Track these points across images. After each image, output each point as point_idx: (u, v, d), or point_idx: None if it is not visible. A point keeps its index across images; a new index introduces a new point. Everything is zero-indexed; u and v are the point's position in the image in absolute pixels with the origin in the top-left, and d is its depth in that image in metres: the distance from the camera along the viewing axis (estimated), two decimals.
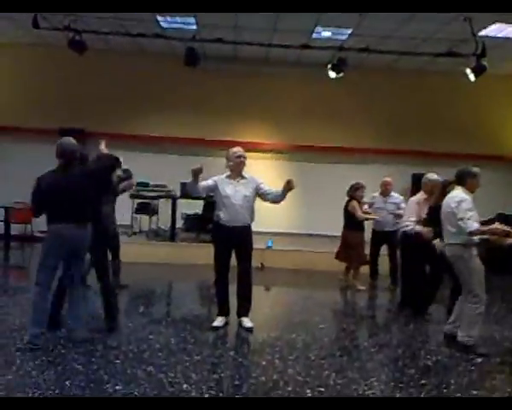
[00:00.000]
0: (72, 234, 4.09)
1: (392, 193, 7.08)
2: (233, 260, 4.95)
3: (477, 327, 4.47)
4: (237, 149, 4.83)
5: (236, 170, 4.80)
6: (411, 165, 9.96)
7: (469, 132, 9.86)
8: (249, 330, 4.78)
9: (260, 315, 5.36)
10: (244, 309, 4.90)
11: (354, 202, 6.69)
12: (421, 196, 5.67)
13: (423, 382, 3.86)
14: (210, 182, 4.80)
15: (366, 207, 6.90)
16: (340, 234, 8.17)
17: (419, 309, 5.56)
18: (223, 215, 4.75)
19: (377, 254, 7.15)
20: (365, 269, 7.05)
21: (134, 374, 3.69)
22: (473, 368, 4.21)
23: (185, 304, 5.80)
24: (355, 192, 6.74)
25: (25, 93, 9.72)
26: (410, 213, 5.70)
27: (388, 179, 7.15)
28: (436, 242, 4.99)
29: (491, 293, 4.80)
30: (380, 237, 7.04)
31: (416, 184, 8.91)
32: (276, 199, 4.83)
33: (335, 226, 9.54)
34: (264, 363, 4.07)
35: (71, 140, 4.22)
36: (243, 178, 4.83)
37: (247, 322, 4.86)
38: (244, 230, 4.79)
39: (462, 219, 4.30)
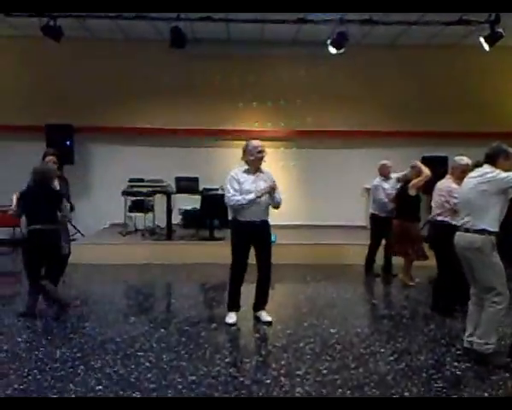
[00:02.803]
0: None
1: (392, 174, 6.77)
2: None
3: (496, 332, 3.85)
4: (258, 143, 4.65)
5: (256, 165, 4.63)
6: (421, 146, 9.35)
7: (482, 109, 9.20)
8: (268, 323, 4.70)
9: None
10: (263, 302, 4.83)
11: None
12: (450, 182, 5.01)
13: (454, 397, 3.33)
14: (236, 185, 4.58)
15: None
16: (349, 223, 7.69)
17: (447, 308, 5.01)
18: (244, 211, 4.58)
19: (380, 242, 6.71)
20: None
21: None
22: (508, 375, 3.68)
23: (182, 311, 5.28)
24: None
25: (5, 89, 9.15)
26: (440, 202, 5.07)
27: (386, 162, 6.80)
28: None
29: None
30: (381, 222, 6.57)
31: (428, 167, 8.34)
32: (277, 205, 4.75)
33: (343, 215, 9.13)
34: (268, 381, 3.55)
35: None
36: (261, 172, 4.67)
37: (265, 316, 4.79)
38: (264, 225, 4.69)
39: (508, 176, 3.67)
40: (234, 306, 4.80)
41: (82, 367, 3.71)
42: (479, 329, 3.88)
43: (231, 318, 4.75)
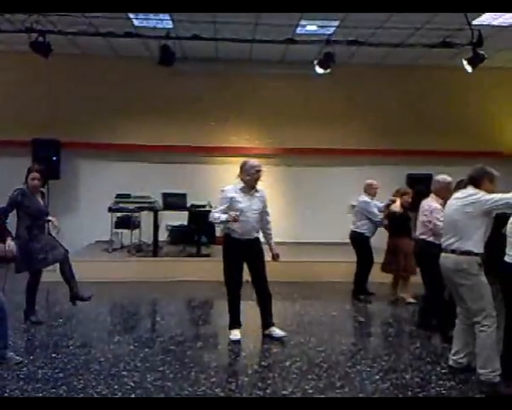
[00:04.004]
0: None
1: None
2: None
3: (497, 355, 3.74)
4: (255, 163, 4.70)
5: (252, 184, 4.69)
6: (406, 165, 9.51)
7: (465, 129, 9.41)
8: (282, 338, 4.74)
9: (251, 338, 4.81)
10: (271, 319, 4.85)
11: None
12: (433, 201, 4.99)
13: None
14: (225, 205, 4.63)
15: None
16: (336, 240, 7.67)
17: (439, 329, 4.98)
18: (237, 228, 4.61)
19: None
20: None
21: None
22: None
23: (167, 329, 5.22)
24: (401, 198, 6.33)
25: None
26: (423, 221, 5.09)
27: (374, 182, 6.79)
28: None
29: None
30: (368, 241, 6.62)
31: (411, 185, 8.46)
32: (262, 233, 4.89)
33: (329, 233, 9.16)
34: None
35: None
36: (256, 190, 4.74)
37: (278, 332, 4.81)
38: (256, 242, 4.76)
39: (497, 200, 3.64)
40: (235, 323, 4.80)
41: (64, 388, 3.64)
42: (479, 359, 3.76)
43: (235, 335, 4.74)
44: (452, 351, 4.08)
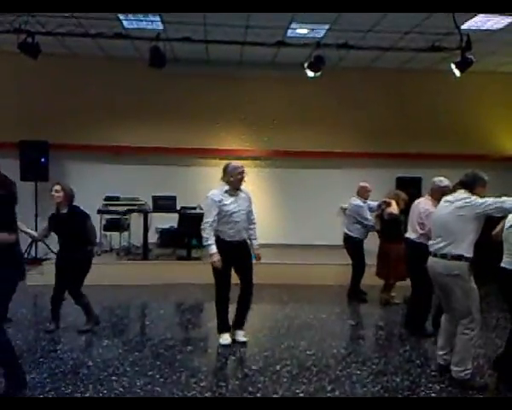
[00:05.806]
0: None
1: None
2: None
3: (472, 357, 3.88)
4: (238, 164, 4.71)
5: (236, 185, 4.70)
6: (395, 168, 9.56)
7: (455, 132, 9.47)
8: (243, 344, 4.71)
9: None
10: (240, 322, 4.84)
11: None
12: (429, 204, 4.95)
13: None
14: (215, 210, 4.57)
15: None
16: (326, 243, 7.66)
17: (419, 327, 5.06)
18: (226, 231, 4.64)
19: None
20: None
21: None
22: (481, 395, 3.73)
23: (157, 333, 5.18)
24: (398, 204, 6.30)
25: None
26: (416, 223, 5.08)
27: (367, 185, 6.79)
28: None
29: None
30: (362, 245, 6.65)
31: (401, 188, 8.51)
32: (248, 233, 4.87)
33: (320, 235, 9.19)
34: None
35: None
36: (241, 191, 4.77)
37: (241, 336, 4.80)
38: (244, 243, 4.79)
39: (490, 204, 3.65)
40: (225, 327, 4.79)
41: (52, 394, 3.59)
42: (455, 356, 3.88)
43: (225, 339, 4.73)
44: (439, 350, 4.12)
